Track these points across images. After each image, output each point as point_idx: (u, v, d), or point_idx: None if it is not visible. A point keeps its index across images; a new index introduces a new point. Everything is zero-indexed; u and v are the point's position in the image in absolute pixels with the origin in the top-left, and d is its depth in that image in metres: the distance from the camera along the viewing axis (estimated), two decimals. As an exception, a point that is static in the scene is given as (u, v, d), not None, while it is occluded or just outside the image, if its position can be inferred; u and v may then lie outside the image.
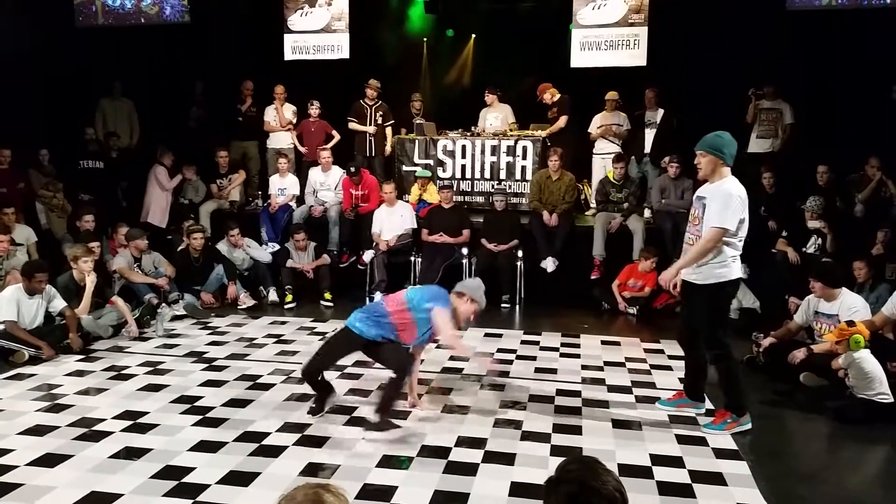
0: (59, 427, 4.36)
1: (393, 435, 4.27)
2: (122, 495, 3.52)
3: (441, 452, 4.06)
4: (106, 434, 4.26)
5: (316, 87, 9.91)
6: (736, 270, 4.34)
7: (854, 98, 8.50)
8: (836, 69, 8.79)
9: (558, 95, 9.21)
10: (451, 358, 5.88)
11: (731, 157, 4.35)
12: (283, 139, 9.75)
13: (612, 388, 5.25)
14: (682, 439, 4.30)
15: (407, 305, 4.51)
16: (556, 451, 4.10)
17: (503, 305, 7.85)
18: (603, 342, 6.52)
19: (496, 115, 9.64)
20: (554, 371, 5.65)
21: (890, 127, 8.14)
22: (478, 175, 9.12)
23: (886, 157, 7.82)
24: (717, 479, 3.80)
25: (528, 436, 4.32)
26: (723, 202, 4.21)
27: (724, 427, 4.42)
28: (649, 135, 9.09)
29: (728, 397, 4.52)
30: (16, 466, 3.82)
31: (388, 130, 9.66)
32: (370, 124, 9.51)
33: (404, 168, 9.39)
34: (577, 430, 4.43)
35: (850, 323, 4.92)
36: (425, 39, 12.27)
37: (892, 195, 7.77)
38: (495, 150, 9.03)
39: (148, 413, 4.61)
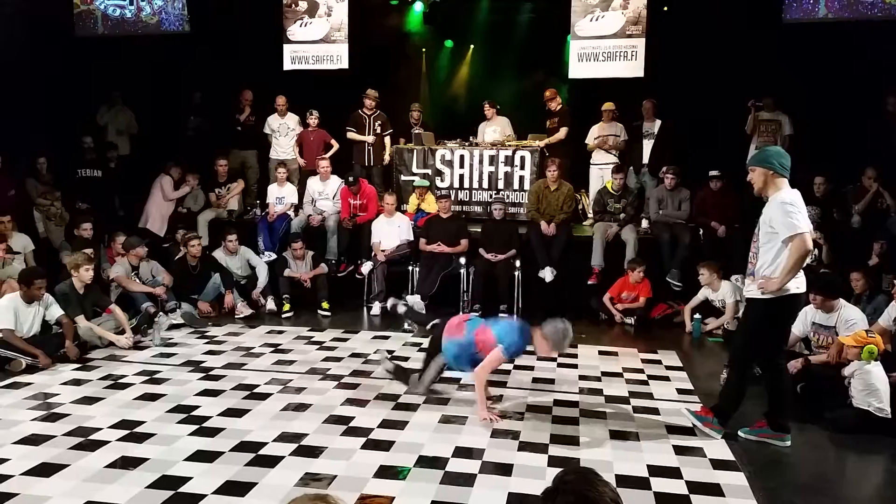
0: (55, 436, 4.34)
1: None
2: (117, 505, 3.51)
3: (438, 462, 4.05)
4: (102, 443, 4.25)
5: (314, 96, 9.94)
6: (794, 285, 4.21)
7: (851, 109, 8.54)
8: (832, 81, 8.83)
9: (561, 105, 9.25)
10: (449, 368, 5.87)
11: (782, 166, 4.23)
12: (286, 150, 9.76)
13: (609, 399, 5.25)
14: (679, 450, 4.29)
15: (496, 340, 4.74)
16: (553, 461, 4.10)
17: (501, 315, 7.84)
18: (600, 352, 6.52)
19: (494, 129, 9.68)
20: (552, 381, 5.64)
21: (886, 138, 8.17)
22: (476, 185, 9.14)
23: (883, 168, 7.85)
24: (714, 489, 3.79)
25: (525, 446, 4.32)
26: (781, 212, 4.14)
27: (703, 423, 4.53)
28: (647, 145, 9.12)
29: (721, 402, 4.59)
30: (11, 476, 3.80)
31: (387, 140, 9.68)
32: (369, 134, 9.52)
33: (402, 178, 9.41)
34: (574, 441, 4.42)
35: (869, 331, 4.93)
36: (424, 50, 12.32)
37: (889, 206, 7.79)
38: (493, 160, 9.06)
39: (144, 422, 4.59)
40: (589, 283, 7.94)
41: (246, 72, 10.15)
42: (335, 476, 3.86)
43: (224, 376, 5.62)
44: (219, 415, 4.76)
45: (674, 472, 3.99)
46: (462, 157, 9.17)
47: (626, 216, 8.24)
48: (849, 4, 7.99)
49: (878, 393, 4.64)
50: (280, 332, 7.08)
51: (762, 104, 8.83)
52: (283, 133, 9.77)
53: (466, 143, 9.39)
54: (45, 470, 3.88)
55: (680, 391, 5.44)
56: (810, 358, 5.36)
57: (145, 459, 4.02)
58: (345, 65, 9.48)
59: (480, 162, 9.10)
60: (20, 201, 8.68)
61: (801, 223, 4.13)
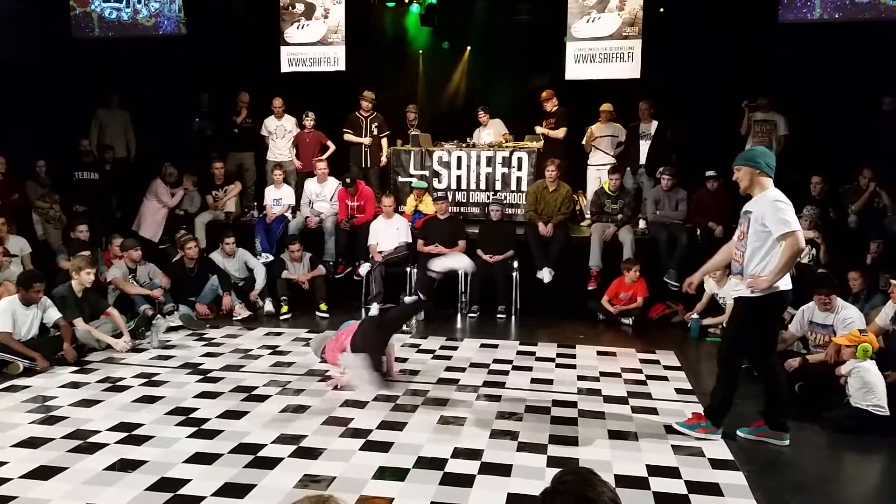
0: (53, 439, 4.34)
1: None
2: (116, 508, 3.51)
3: (437, 464, 4.05)
4: (101, 446, 4.24)
5: (311, 98, 9.93)
6: (783, 282, 4.23)
7: (846, 109, 8.56)
8: (828, 81, 8.86)
9: (557, 107, 9.26)
10: (447, 369, 5.89)
11: (767, 166, 4.32)
12: (283, 152, 9.76)
13: (608, 399, 5.25)
14: (678, 450, 4.30)
15: None
16: (552, 462, 4.10)
17: (499, 316, 7.85)
18: (599, 352, 6.52)
19: (489, 133, 9.73)
20: (550, 382, 5.65)
21: (883, 138, 8.19)
22: (473, 186, 9.14)
23: (879, 167, 7.87)
24: (713, 489, 3.80)
25: (524, 447, 4.32)
26: (773, 210, 4.17)
27: (696, 430, 4.49)
28: (644, 146, 9.13)
29: (712, 403, 4.57)
30: (10, 479, 3.80)
31: (384, 142, 9.68)
32: (365, 135, 9.53)
33: (400, 179, 9.41)
34: (573, 441, 4.43)
35: (863, 331, 4.94)
36: (421, 51, 12.34)
37: (885, 206, 7.81)
38: (491, 162, 9.06)
39: (143, 425, 4.59)
40: (589, 288, 7.93)
41: (242, 74, 10.14)
42: (334, 477, 3.86)
43: (222, 378, 5.61)
44: (217, 417, 4.76)
45: (673, 472, 4.00)
46: (459, 158, 9.17)
47: (623, 217, 8.25)
48: (844, 5, 8.01)
49: (876, 390, 4.66)
50: (278, 334, 7.08)
51: (757, 104, 8.84)
52: (280, 135, 9.75)
53: (464, 145, 9.39)
54: (44, 473, 3.88)
55: (678, 391, 5.46)
56: (808, 357, 5.37)
57: (144, 462, 4.02)
58: (342, 67, 9.48)
59: (478, 163, 9.10)
60: (18, 204, 8.67)
61: (794, 221, 4.16)
